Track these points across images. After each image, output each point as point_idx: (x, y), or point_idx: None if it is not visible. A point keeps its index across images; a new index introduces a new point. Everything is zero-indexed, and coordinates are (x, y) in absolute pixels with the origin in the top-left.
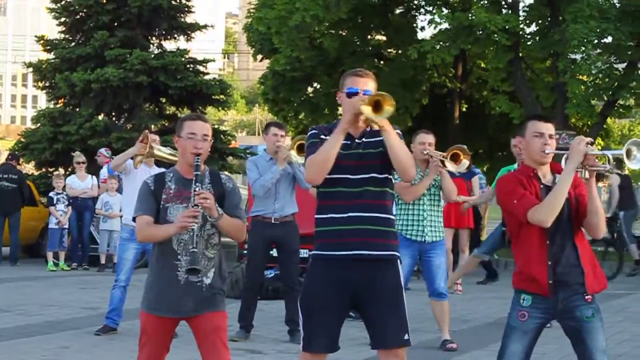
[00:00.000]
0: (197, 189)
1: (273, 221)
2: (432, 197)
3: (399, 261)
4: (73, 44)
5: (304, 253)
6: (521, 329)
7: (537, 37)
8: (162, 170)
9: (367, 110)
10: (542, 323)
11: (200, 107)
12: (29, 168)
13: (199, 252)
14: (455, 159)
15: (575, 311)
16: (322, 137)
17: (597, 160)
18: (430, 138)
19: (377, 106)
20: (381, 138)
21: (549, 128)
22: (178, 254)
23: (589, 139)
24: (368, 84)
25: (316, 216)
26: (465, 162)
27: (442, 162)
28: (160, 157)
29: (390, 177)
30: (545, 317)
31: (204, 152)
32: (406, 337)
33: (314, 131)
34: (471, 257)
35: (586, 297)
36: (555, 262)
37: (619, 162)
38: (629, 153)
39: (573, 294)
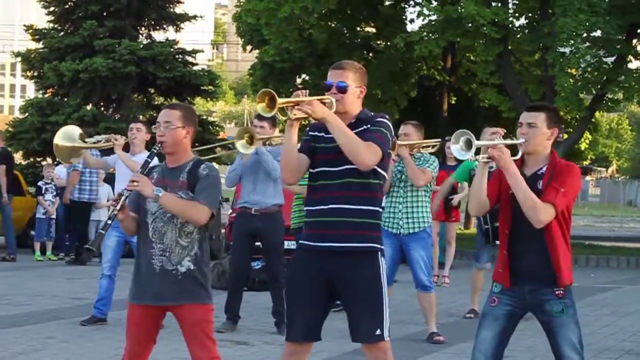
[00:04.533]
0: (134, 176)
1: (253, 212)
2: (406, 188)
3: (380, 254)
4: (62, 33)
5: (291, 245)
6: (492, 315)
7: (527, 30)
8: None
9: (259, 107)
10: (513, 312)
11: (188, 98)
12: (16, 158)
13: (104, 236)
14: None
15: (545, 305)
16: (310, 133)
17: (490, 151)
18: (407, 129)
19: (272, 101)
20: (362, 129)
21: (528, 117)
22: (152, 242)
23: (495, 130)
24: (343, 75)
25: (305, 208)
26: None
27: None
28: (80, 148)
29: (375, 167)
30: (514, 306)
31: (167, 139)
32: (378, 332)
33: (307, 129)
34: (475, 272)
35: (557, 291)
36: (514, 252)
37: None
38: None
39: (541, 287)
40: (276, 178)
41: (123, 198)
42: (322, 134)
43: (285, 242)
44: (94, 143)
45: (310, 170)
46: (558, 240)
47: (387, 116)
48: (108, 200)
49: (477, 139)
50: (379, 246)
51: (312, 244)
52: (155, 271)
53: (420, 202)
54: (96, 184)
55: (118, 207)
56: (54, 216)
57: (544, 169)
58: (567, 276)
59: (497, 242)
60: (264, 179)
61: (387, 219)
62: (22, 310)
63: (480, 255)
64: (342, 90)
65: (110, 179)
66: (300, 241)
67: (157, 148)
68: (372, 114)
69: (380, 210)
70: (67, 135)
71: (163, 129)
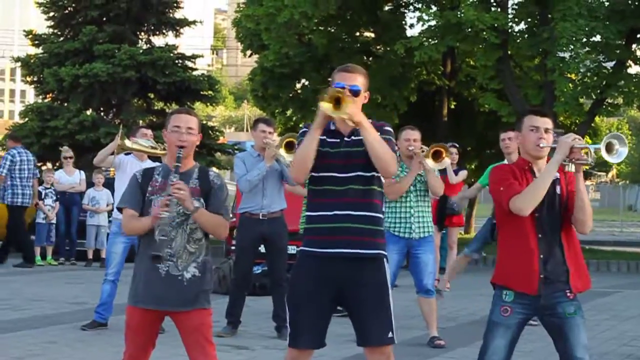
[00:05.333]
0: (173, 179)
1: (261, 217)
2: (418, 193)
3: (385, 260)
4: (61, 38)
5: (292, 249)
6: (504, 325)
7: (526, 35)
8: (156, 164)
9: (326, 106)
10: (525, 318)
11: (188, 103)
12: None
13: (169, 240)
14: (436, 156)
15: (557, 307)
16: None
17: (582, 154)
18: (415, 134)
19: (337, 102)
20: None
21: (545, 122)
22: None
23: (577, 136)
24: (356, 79)
25: (306, 213)
26: (447, 160)
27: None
28: (135, 150)
29: (375, 174)
30: (528, 313)
31: (188, 144)
32: (390, 335)
33: (304, 129)
34: (461, 256)
35: (568, 293)
36: (545, 257)
37: None
38: (609, 147)
39: (555, 290)
40: (288, 184)
41: (174, 204)
42: (325, 137)
43: (289, 247)
44: (152, 148)
45: (313, 174)
46: (575, 245)
47: (389, 124)
48: (107, 205)
49: (479, 143)
50: (384, 252)
51: (318, 250)
52: (161, 276)
53: (428, 208)
54: (29, 189)
55: (170, 210)
56: (54, 221)
57: (557, 174)
58: (588, 282)
59: None
60: (273, 184)
61: (399, 224)
62: (22, 315)
63: (473, 242)
64: (356, 94)
65: (110, 184)
66: (302, 248)
67: (180, 152)
68: (375, 121)
69: (382, 216)
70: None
71: (186, 135)
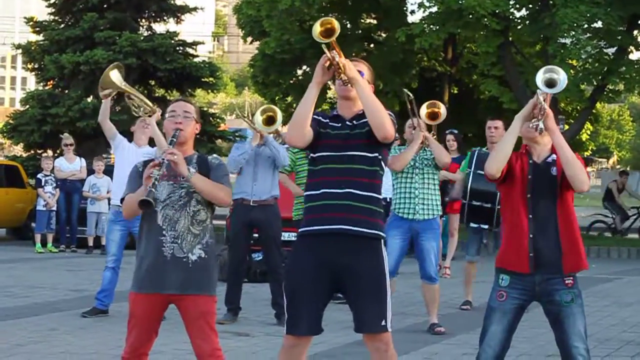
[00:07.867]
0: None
1: (252, 204)
2: (424, 174)
3: (382, 242)
4: (62, 25)
5: (291, 236)
6: (500, 310)
7: (527, 22)
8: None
9: (316, 33)
10: (521, 304)
11: (189, 90)
12: (17, 150)
13: (156, 191)
14: (432, 117)
15: (554, 295)
16: (315, 117)
17: (545, 105)
18: (416, 120)
19: (328, 33)
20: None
21: None
22: (163, 230)
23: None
24: (360, 66)
25: (305, 193)
26: (443, 111)
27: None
28: (124, 91)
29: (378, 155)
30: (524, 298)
31: (185, 127)
32: (383, 323)
33: (314, 117)
34: (466, 264)
35: (566, 281)
36: (536, 235)
37: None
38: (550, 83)
39: (552, 276)
40: (278, 168)
41: (165, 165)
42: (327, 120)
43: (286, 234)
44: (140, 99)
45: (312, 155)
46: (574, 224)
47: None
48: (108, 192)
49: (480, 129)
50: (382, 234)
51: (315, 228)
52: (167, 259)
53: (434, 190)
54: None
55: (161, 172)
56: (54, 208)
57: (553, 156)
58: (582, 262)
59: (472, 224)
60: (265, 171)
61: (403, 204)
62: (23, 302)
63: (469, 247)
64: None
65: (110, 171)
66: (301, 229)
67: (178, 134)
68: None
69: (380, 197)
70: (119, 78)
71: (182, 118)
